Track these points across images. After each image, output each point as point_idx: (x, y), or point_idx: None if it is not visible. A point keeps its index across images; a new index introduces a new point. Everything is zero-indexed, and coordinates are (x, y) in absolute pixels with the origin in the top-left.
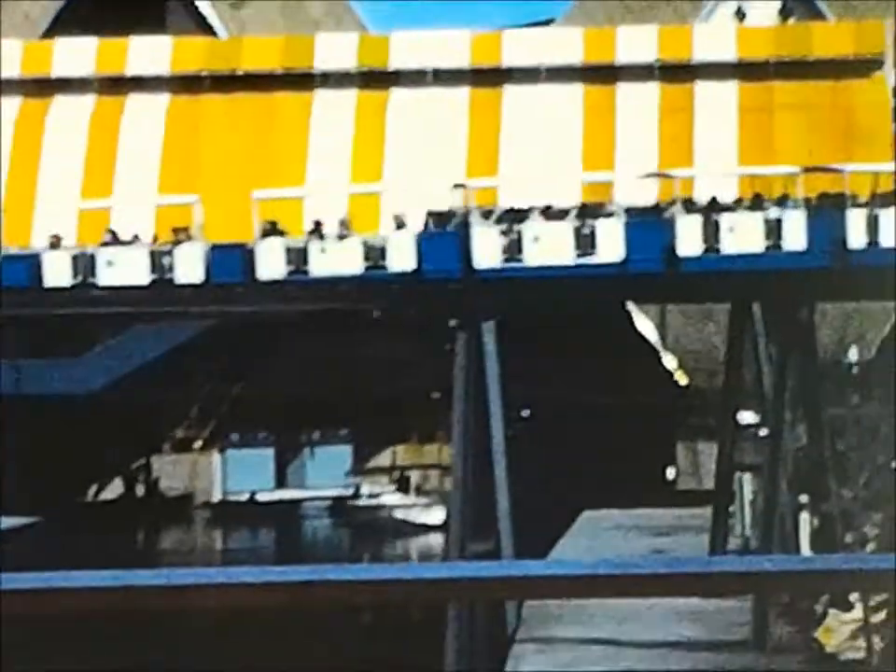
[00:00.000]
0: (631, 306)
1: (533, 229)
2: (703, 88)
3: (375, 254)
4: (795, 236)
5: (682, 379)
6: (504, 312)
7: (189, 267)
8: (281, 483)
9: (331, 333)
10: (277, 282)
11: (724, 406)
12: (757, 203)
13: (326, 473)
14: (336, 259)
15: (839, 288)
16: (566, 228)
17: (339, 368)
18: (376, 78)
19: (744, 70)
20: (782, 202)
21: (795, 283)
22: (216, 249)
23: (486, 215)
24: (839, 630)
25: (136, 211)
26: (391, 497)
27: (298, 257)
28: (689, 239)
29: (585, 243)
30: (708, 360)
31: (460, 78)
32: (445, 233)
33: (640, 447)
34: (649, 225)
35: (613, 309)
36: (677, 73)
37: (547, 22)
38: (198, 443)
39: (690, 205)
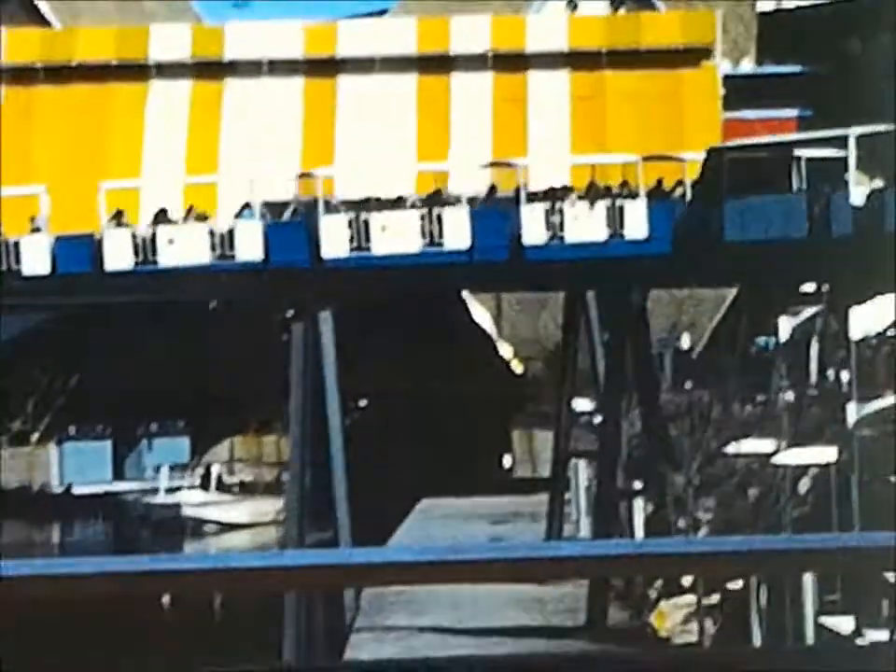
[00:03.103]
0: (467, 295)
1: (380, 218)
2: (536, 77)
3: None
4: (637, 225)
5: (518, 367)
6: (348, 301)
7: (34, 258)
8: (119, 475)
9: (169, 324)
10: (123, 273)
11: (559, 394)
12: (597, 192)
13: (163, 465)
14: (184, 250)
15: (677, 275)
16: (412, 216)
17: (176, 359)
18: (211, 69)
19: (576, 60)
20: (621, 190)
21: (636, 270)
22: (61, 241)
23: (328, 205)
24: (672, 615)
25: None
26: (191, 495)
27: (146, 247)
28: (533, 228)
29: (432, 231)
30: (544, 349)
31: (295, 69)
32: (292, 223)
33: (476, 436)
34: (494, 214)
35: (449, 298)
36: (510, 63)
37: (381, 13)
38: (34, 436)
39: (532, 195)
